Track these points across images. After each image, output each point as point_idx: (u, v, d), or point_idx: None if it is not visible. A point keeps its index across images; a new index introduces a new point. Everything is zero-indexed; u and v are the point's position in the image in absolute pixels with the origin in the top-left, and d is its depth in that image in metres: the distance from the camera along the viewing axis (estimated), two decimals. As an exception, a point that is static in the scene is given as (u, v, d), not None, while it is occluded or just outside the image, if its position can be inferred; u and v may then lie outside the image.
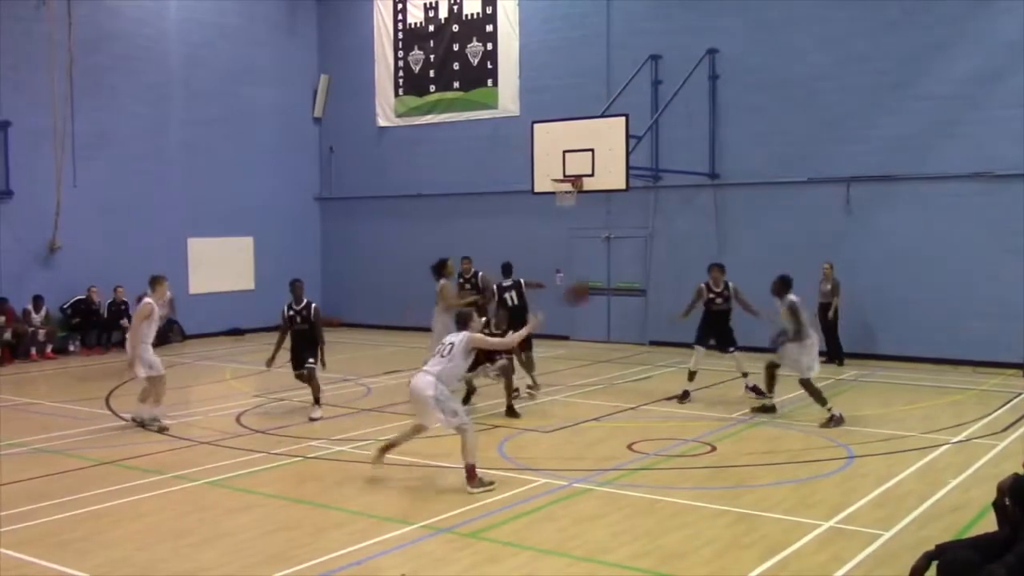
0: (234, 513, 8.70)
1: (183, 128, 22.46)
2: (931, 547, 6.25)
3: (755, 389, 13.74)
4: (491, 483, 9.26)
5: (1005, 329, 16.44)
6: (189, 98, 22.55)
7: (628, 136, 16.81)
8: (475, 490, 9.11)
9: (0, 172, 19.64)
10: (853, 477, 9.74)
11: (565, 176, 17.17)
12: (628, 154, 16.84)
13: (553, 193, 17.49)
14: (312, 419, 12.76)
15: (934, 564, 6.01)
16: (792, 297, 12.42)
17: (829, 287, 17.37)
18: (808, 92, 18.35)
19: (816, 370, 12.46)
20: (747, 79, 18.99)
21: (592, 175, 16.97)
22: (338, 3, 25.19)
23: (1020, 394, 14.23)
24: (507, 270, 15.45)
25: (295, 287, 13.39)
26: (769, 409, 12.90)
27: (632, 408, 13.33)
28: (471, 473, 9.21)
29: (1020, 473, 6.26)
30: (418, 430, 9.75)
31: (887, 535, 7.79)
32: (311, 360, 13.11)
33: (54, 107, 19.88)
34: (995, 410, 13.01)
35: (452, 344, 9.50)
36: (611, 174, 16.83)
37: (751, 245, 18.81)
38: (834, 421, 12.07)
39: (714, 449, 10.99)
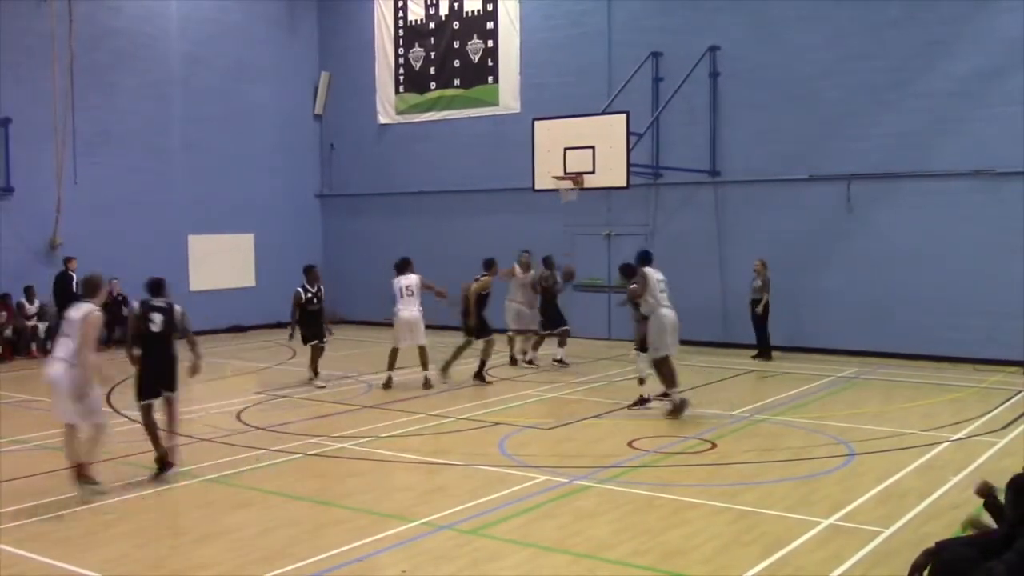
0: (234, 510, 8.71)
1: (184, 125, 22.45)
2: (931, 544, 6.25)
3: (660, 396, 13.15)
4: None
5: (1005, 327, 16.44)
6: (190, 95, 22.54)
7: (629, 133, 16.79)
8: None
9: (1, 169, 19.63)
10: (853, 475, 9.73)
11: (566, 173, 17.17)
12: (629, 151, 16.83)
13: (555, 190, 17.50)
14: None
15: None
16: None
17: (760, 283, 17.46)
18: (809, 90, 18.33)
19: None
20: (748, 76, 18.97)
21: (593, 172, 16.96)
22: (338, 0, 25.19)
23: (1020, 392, 14.22)
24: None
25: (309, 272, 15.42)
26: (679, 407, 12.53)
27: (628, 406, 13.31)
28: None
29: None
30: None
31: (887, 532, 7.79)
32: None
33: (55, 104, 19.89)
34: (995, 407, 13.00)
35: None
36: (612, 171, 16.82)
37: (752, 243, 18.78)
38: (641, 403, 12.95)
39: (714, 446, 10.99)
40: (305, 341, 15.24)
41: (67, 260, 19.26)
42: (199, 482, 9.64)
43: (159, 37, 22.07)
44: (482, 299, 15.44)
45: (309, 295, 15.19)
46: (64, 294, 18.88)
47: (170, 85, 22.26)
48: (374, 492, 9.28)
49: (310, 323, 15.17)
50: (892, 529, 7.88)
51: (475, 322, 15.31)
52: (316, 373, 15.38)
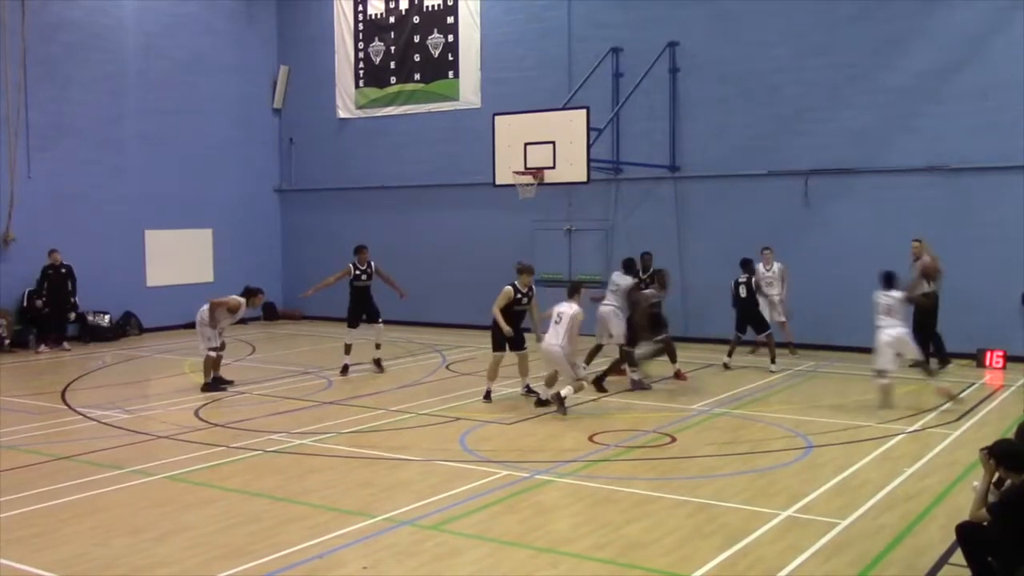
0: (193, 507, 8.63)
1: (140, 118, 22.15)
2: (888, 535, 6.36)
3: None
4: None
5: (958, 320, 16.65)
6: (146, 88, 22.24)
7: (589, 128, 16.83)
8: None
9: (-49, 163, 19.30)
10: (811, 467, 9.86)
11: (526, 168, 17.19)
12: (589, 147, 16.86)
13: (515, 185, 17.51)
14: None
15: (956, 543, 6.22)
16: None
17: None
18: (768, 85, 18.50)
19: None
20: (707, 72, 19.10)
21: (553, 167, 16.98)
22: (298, -7, 25.01)
23: (973, 384, 14.48)
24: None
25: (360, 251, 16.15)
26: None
27: (592, 400, 13.37)
28: None
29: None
30: None
31: (844, 524, 7.90)
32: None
33: (7, 96, 19.56)
34: (950, 399, 13.19)
35: None
36: (572, 167, 16.85)
37: (711, 238, 18.94)
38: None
39: (674, 440, 11.07)
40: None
41: (52, 252, 19.52)
42: (157, 479, 9.54)
43: (114, 28, 21.74)
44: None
45: (358, 271, 16.03)
46: (56, 288, 19.41)
47: (125, 77, 21.94)
48: (335, 488, 9.24)
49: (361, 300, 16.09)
50: (849, 520, 7.99)
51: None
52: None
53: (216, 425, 12.08)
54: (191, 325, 21.97)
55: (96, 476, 9.60)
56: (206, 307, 14.61)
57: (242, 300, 14.66)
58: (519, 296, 13.37)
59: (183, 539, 7.72)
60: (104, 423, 12.21)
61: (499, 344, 13.45)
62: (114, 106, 21.73)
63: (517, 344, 13.49)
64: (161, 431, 11.73)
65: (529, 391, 13.61)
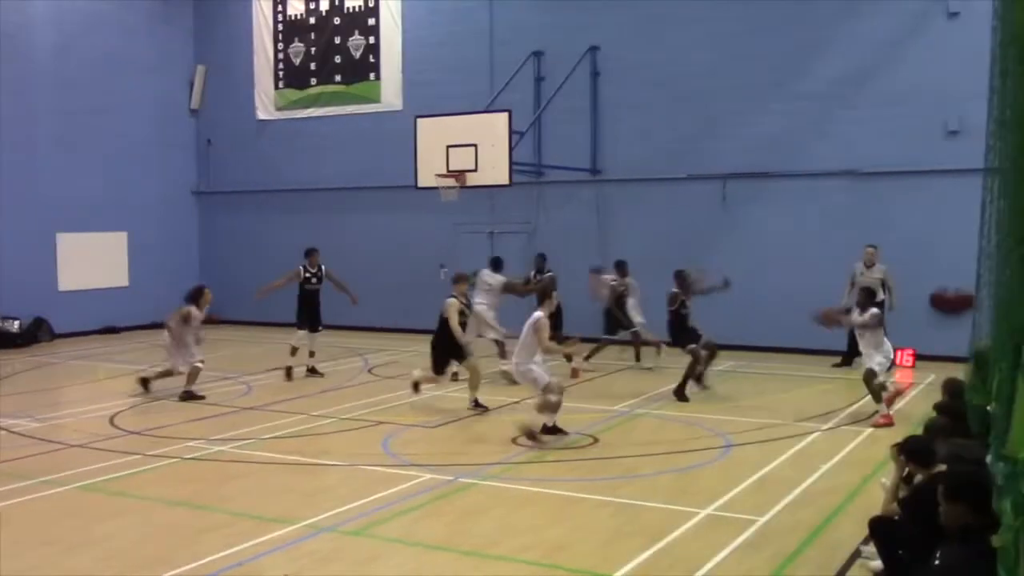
0: (108, 518, 8.42)
1: (53, 119, 21.52)
2: (803, 531, 6.47)
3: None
4: None
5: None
6: (60, 88, 21.62)
7: (511, 131, 16.89)
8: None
9: None
10: (730, 466, 10.03)
11: (448, 171, 17.18)
12: (511, 149, 16.92)
13: (437, 188, 17.48)
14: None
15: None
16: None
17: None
18: (687, 90, 18.77)
19: None
20: (628, 76, 19.31)
21: (475, 170, 17.01)
22: (215, -8, 24.60)
23: (883, 383, 14.82)
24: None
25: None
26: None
27: (515, 402, 13.38)
28: None
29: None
30: None
31: (762, 520, 8.06)
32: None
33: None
34: (861, 398, 13.49)
35: None
36: (494, 169, 16.90)
37: (632, 240, 19.11)
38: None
39: (596, 441, 11.16)
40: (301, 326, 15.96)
41: None
42: (70, 489, 9.28)
43: (24, 27, 21.11)
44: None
45: (308, 275, 15.94)
46: None
47: (38, 77, 21.29)
48: (255, 495, 9.11)
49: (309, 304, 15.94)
50: (767, 517, 8.15)
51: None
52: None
53: (132, 432, 11.80)
54: (105, 331, 21.74)
55: (2, 488, 9.29)
56: (167, 334, 14.27)
57: (191, 307, 14.23)
58: (463, 307, 13.17)
59: (98, 550, 7.54)
60: (13, 432, 11.85)
61: (440, 366, 13.02)
62: (25, 106, 21.07)
63: (463, 354, 13.11)
64: (73, 439, 11.41)
65: (477, 405, 12.99)
